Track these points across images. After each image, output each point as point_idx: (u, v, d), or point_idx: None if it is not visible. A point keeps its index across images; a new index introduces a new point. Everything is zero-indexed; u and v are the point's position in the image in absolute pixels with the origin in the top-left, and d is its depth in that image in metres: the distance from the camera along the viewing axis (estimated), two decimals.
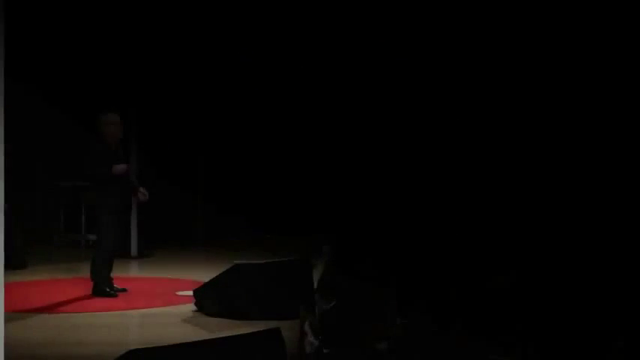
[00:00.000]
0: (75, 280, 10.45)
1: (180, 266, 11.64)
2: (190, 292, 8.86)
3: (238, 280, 8.41)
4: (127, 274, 11.40)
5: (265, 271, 8.54)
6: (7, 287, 9.87)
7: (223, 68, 15.06)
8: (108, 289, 9.26)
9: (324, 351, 7.25)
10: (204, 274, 9.55)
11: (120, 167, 9.09)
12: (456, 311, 7.68)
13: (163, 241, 13.60)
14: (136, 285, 10.14)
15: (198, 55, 14.59)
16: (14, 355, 6.89)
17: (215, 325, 7.88)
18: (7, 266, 11.21)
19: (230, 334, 6.60)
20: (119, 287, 9.50)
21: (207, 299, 8.49)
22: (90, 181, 9.37)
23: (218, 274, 8.66)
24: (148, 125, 13.37)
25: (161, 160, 14.19)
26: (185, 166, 14.86)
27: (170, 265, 11.82)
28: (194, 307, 8.57)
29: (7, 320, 8.12)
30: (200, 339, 5.83)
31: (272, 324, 6.76)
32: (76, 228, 13.94)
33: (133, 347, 5.21)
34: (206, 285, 8.71)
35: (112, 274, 9.50)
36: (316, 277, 9.60)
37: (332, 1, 13.41)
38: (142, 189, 9.54)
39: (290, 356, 6.24)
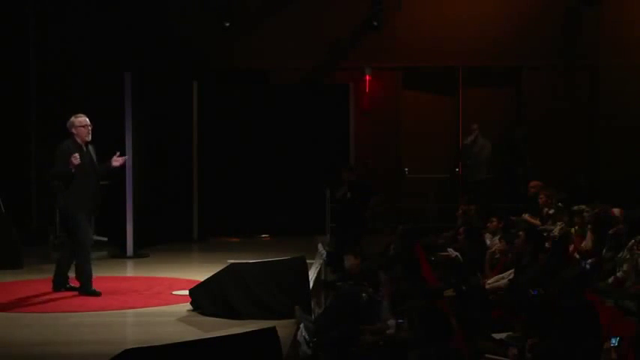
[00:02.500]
0: (71, 279, 10.44)
1: (176, 266, 11.64)
2: (186, 292, 8.87)
3: (233, 279, 8.42)
4: (123, 273, 11.41)
5: (260, 271, 8.55)
6: (4, 287, 9.95)
7: None
8: (94, 289, 9.32)
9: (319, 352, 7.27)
10: (199, 274, 9.56)
11: (73, 157, 9.11)
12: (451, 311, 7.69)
13: (159, 240, 13.60)
14: (131, 285, 10.14)
15: None
16: (11, 355, 6.91)
17: (211, 325, 7.88)
18: (4, 266, 11.32)
19: (226, 334, 6.64)
20: (75, 286, 9.56)
21: (203, 299, 8.49)
22: (59, 181, 9.45)
23: (213, 273, 8.67)
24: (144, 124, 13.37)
25: (156, 158, 14.18)
26: (181, 164, 14.85)
27: (166, 264, 11.82)
28: (190, 307, 8.57)
29: (3, 320, 8.17)
30: (196, 338, 5.85)
31: (268, 323, 6.78)
32: None
33: (129, 346, 5.24)
34: (202, 284, 8.72)
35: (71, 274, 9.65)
36: (312, 276, 9.62)
37: None
38: (114, 157, 9.65)
39: (285, 355, 6.27)
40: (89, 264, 9.41)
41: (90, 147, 9.53)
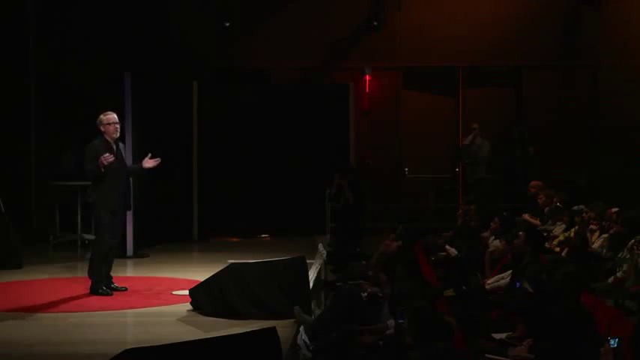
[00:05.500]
0: (71, 279, 10.46)
1: (176, 266, 11.64)
2: (186, 292, 8.87)
3: (233, 279, 8.42)
4: (123, 274, 11.39)
5: (260, 271, 8.55)
6: (4, 287, 9.95)
7: None
8: (101, 289, 9.27)
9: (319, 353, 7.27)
10: (199, 274, 9.56)
11: (104, 157, 9.09)
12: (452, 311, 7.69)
13: (159, 240, 13.60)
14: (131, 285, 10.13)
15: None
16: (11, 355, 6.91)
17: (210, 325, 7.89)
18: (4, 266, 11.33)
19: (225, 334, 6.64)
20: (119, 286, 9.52)
21: (203, 299, 8.50)
22: (88, 179, 9.42)
23: (213, 273, 8.67)
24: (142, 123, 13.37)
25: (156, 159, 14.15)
26: (181, 164, 14.84)
27: (166, 264, 11.82)
28: (190, 307, 8.58)
29: (3, 320, 8.17)
30: (195, 338, 5.85)
31: (267, 323, 6.79)
32: (72, 228, 13.94)
33: (128, 346, 5.24)
34: (201, 284, 8.72)
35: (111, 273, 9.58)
36: (312, 276, 9.62)
37: None
38: (146, 159, 9.59)
39: (285, 356, 6.27)
40: (102, 265, 9.40)
41: (120, 145, 9.53)
